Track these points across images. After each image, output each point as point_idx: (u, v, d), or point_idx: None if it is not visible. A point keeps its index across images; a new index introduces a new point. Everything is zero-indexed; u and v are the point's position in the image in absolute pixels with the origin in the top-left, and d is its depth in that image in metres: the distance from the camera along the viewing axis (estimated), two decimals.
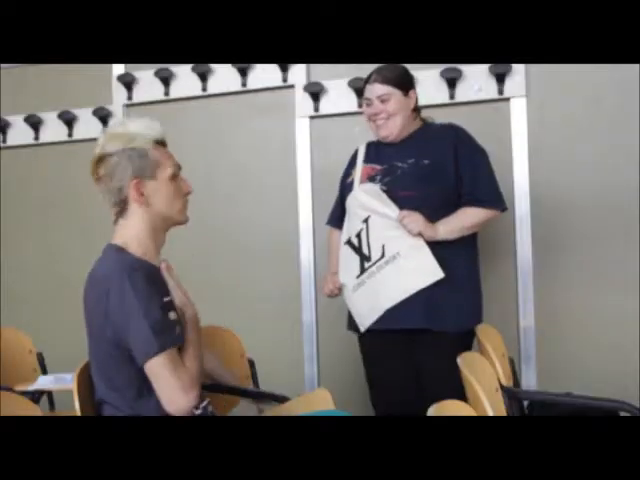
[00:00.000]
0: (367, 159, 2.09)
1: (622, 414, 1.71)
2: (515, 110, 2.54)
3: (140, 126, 1.49)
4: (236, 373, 1.90)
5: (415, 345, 1.96)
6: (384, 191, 1.96)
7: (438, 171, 1.95)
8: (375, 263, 1.95)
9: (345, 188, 2.12)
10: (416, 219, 1.89)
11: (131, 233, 1.46)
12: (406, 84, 2.02)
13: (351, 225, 2.04)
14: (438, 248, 1.91)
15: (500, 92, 2.53)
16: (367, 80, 2.03)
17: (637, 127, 2.41)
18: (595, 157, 2.48)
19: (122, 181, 1.44)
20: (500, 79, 2.51)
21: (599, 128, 2.47)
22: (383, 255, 1.94)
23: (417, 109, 2.07)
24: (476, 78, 2.55)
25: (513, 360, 2.15)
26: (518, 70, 2.50)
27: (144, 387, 1.37)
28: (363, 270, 1.97)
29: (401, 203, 1.93)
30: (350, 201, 2.04)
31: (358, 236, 2.00)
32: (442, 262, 1.91)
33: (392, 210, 1.93)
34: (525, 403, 2.12)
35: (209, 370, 1.82)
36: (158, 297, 1.36)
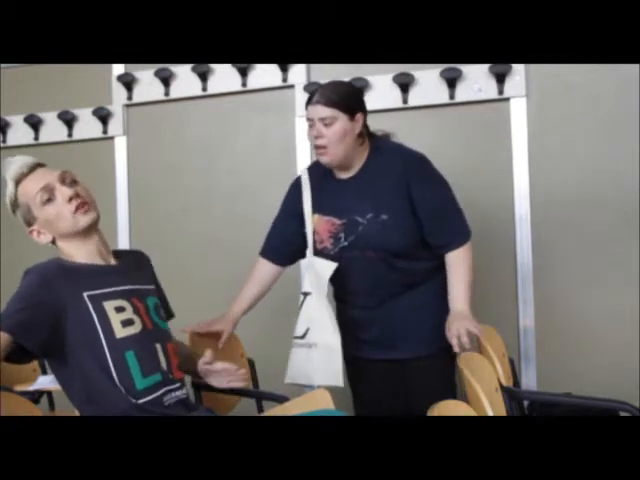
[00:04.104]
0: (320, 205, 1.93)
1: (622, 414, 1.71)
2: (515, 110, 2.54)
3: (3, 178, 1.53)
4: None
5: (401, 369, 1.96)
6: (351, 250, 1.88)
7: (399, 227, 1.85)
8: (297, 338, 1.96)
9: (292, 218, 2.00)
10: (464, 332, 1.74)
11: (63, 249, 1.55)
12: (352, 106, 1.83)
13: (303, 281, 2.02)
14: (409, 276, 1.91)
15: (500, 92, 2.53)
16: (309, 99, 1.85)
17: (637, 127, 2.41)
18: (595, 157, 2.48)
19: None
20: (500, 79, 2.51)
21: (599, 128, 2.48)
22: (304, 337, 1.93)
23: (364, 133, 1.89)
24: (476, 78, 2.55)
25: (513, 360, 2.15)
26: (518, 70, 2.51)
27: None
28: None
29: (368, 264, 1.88)
30: (308, 260, 1.98)
31: (300, 303, 1.98)
32: (416, 288, 1.91)
33: (327, 305, 1.90)
34: (525, 403, 2.12)
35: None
36: (42, 293, 1.42)
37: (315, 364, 1.89)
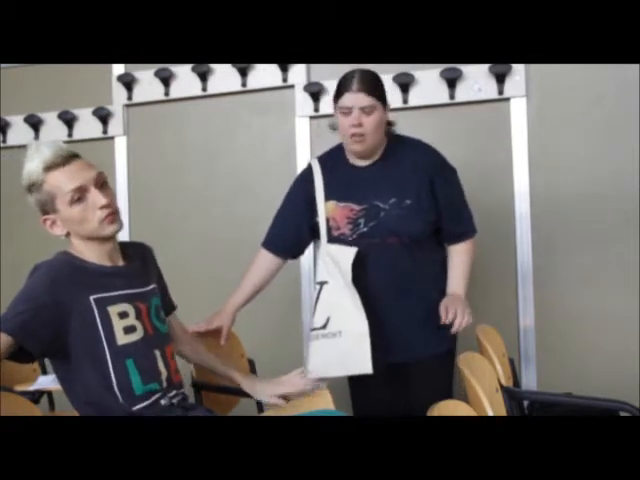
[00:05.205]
0: (335, 191, 1.90)
1: (622, 414, 1.71)
2: (515, 110, 2.54)
3: (31, 157, 1.46)
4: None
5: (402, 371, 1.95)
6: (371, 236, 1.86)
7: (422, 212, 1.86)
8: (316, 330, 1.87)
9: (299, 208, 1.96)
10: (462, 311, 1.80)
11: (75, 245, 1.52)
12: (385, 96, 1.85)
13: (317, 272, 1.94)
14: (422, 267, 1.90)
15: (500, 92, 2.53)
16: (347, 86, 1.80)
17: (637, 127, 2.41)
18: (595, 157, 2.48)
19: (40, 217, 1.50)
20: (500, 79, 2.52)
21: (599, 128, 2.48)
22: (324, 327, 1.86)
23: (388, 122, 1.91)
24: (476, 78, 2.55)
25: (513, 360, 2.15)
26: (518, 70, 2.51)
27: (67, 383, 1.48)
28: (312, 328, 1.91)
29: (387, 251, 1.86)
30: (323, 249, 1.91)
31: (316, 293, 1.91)
32: (423, 289, 1.90)
33: (350, 291, 1.82)
34: (525, 403, 2.12)
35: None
36: (45, 292, 1.40)
37: (341, 353, 1.81)
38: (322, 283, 1.89)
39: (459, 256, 1.93)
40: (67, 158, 1.44)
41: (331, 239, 1.91)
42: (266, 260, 2.02)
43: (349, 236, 1.89)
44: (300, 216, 1.96)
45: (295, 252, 2.06)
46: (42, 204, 1.47)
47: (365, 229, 1.87)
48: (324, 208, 1.91)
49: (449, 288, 1.91)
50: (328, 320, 1.85)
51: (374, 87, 1.82)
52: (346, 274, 1.84)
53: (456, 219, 1.92)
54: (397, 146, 1.92)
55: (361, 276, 1.87)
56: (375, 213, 1.86)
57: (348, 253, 1.85)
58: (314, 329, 1.88)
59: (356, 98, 1.79)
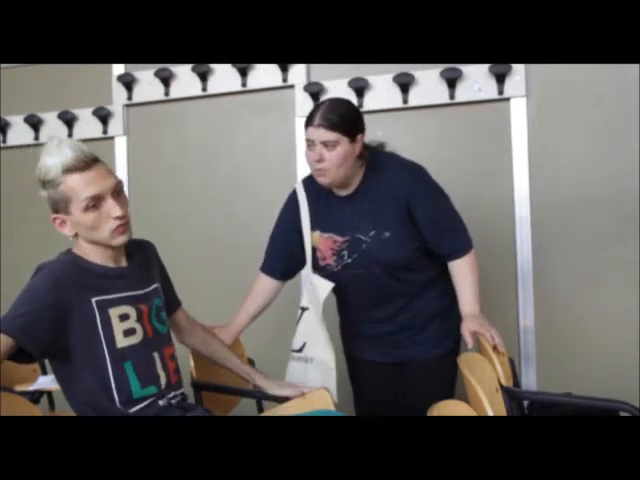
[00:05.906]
0: (319, 222, 1.91)
1: (622, 414, 1.71)
2: (515, 110, 2.54)
3: (50, 153, 1.42)
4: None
5: (400, 372, 1.97)
6: (355, 267, 1.87)
7: (402, 243, 1.84)
8: (294, 351, 1.98)
9: (290, 234, 1.97)
10: (485, 329, 1.78)
11: (81, 245, 1.51)
12: (354, 129, 1.78)
13: (302, 296, 2.01)
14: (414, 285, 1.90)
15: (500, 92, 2.53)
16: (310, 119, 1.78)
17: (637, 127, 2.41)
18: (595, 157, 2.48)
19: (51, 214, 1.47)
20: (500, 79, 2.51)
21: (599, 128, 2.47)
22: (300, 350, 1.96)
23: (362, 152, 1.84)
24: (476, 78, 2.55)
25: (513, 360, 2.15)
26: (518, 70, 2.51)
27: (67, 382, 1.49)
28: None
29: (374, 279, 1.87)
30: (306, 275, 1.97)
31: (298, 316, 2.00)
32: (419, 298, 1.91)
33: (322, 323, 1.92)
34: (525, 403, 2.12)
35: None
36: (47, 293, 1.39)
37: (311, 378, 1.90)
38: (303, 309, 1.97)
39: (458, 272, 1.88)
40: (88, 163, 1.41)
41: (318, 268, 1.94)
42: (266, 283, 2.05)
43: (334, 267, 1.91)
44: (291, 242, 1.98)
45: (292, 273, 2.08)
46: (55, 202, 1.44)
47: (349, 260, 1.88)
48: (310, 237, 1.94)
49: (462, 309, 1.86)
50: (304, 345, 1.95)
51: (338, 121, 1.75)
52: (320, 307, 1.91)
53: (442, 239, 1.87)
54: (375, 173, 1.87)
55: (351, 303, 1.96)
56: (357, 245, 1.85)
57: (325, 287, 1.90)
58: (293, 350, 1.98)
59: (317, 133, 1.76)
